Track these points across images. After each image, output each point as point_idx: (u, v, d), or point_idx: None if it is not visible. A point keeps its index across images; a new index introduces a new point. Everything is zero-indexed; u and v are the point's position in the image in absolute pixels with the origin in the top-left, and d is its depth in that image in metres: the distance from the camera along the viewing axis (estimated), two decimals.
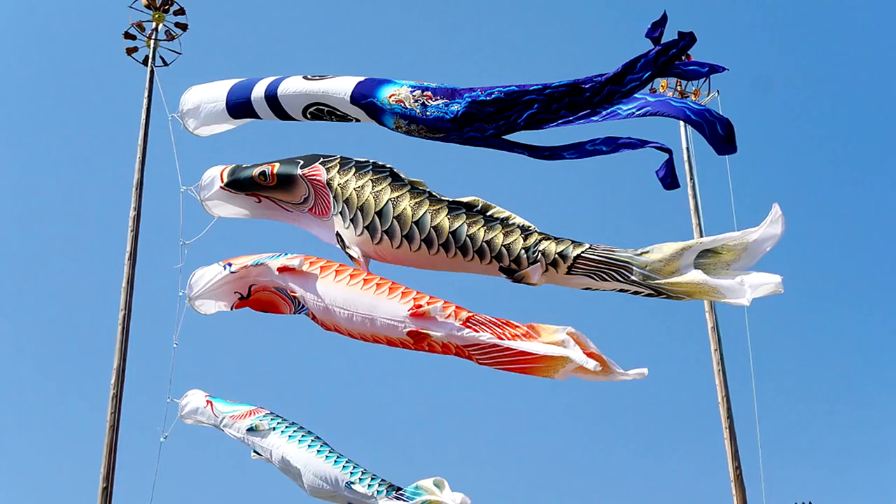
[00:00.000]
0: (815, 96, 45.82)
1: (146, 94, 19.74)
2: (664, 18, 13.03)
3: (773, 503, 19.76)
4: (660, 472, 35.80)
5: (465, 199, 14.66)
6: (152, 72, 20.02)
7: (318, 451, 16.63)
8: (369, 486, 16.02)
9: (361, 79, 15.11)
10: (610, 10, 47.46)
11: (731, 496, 19.61)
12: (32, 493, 32.76)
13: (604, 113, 14.01)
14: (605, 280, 13.83)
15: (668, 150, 14.06)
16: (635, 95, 13.87)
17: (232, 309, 16.86)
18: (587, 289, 14.15)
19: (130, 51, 20.68)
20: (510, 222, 14.38)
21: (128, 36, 20.72)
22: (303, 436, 16.91)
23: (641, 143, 14.06)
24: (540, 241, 14.11)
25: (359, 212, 14.98)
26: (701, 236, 20.07)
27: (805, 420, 36.91)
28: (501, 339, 13.84)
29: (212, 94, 16.77)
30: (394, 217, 14.73)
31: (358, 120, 15.18)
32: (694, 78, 15.32)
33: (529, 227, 14.31)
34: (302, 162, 15.76)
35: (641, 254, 13.66)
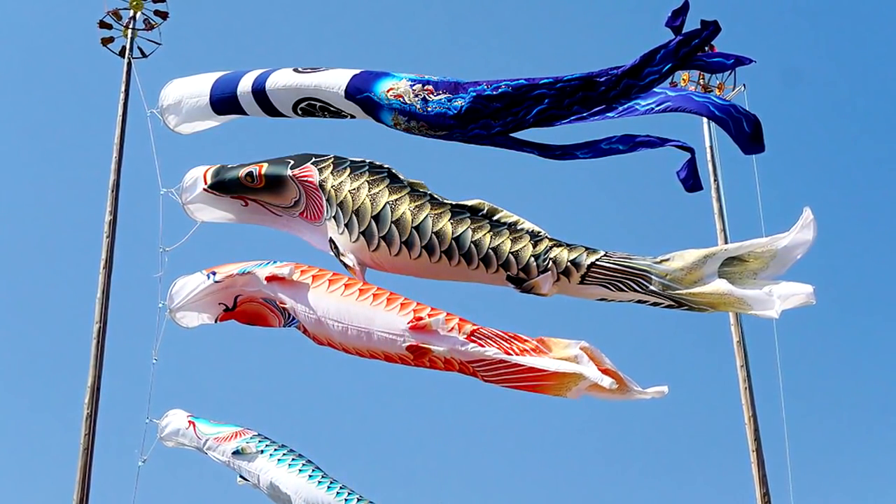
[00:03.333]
0: (851, 90, 45.81)
1: (123, 89, 19.77)
2: (686, 6, 13.07)
3: None
4: (681, 498, 35.78)
5: (469, 203, 14.70)
6: (129, 64, 20.05)
7: (310, 476, 16.67)
8: None
9: (357, 72, 15.14)
10: None
11: None
12: None
13: (620, 109, 14.02)
14: (622, 290, 13.86)
15: (690, 149, 14.08)
16: (654, 90, 13.88)
17: (216, 322, 16.87)
18: (602, 300, 14.18)
19: (106, 41, 20.71)
20: (518, 227, 14.41)
21: (103, 25, 20.75)
22: (293, 459, 16.94)
23: (661, 142, 14.09)
24: (551, 247, 14.14)
25: (354, 216, 15.02)
26: (726, 243, 20.08)
27: (839, 442, 36.87)
28: (509, 354, 13.86)
29: (194, 88, 16.80)
30: (392, 222, 14.77)
31: (353, 116, 15.21)
32: (718, 71, 15.43)
33: (539, 232, 14.35)
34: (292, 162, 15.79)
35: (661, 262, 13.70)
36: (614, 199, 42.49)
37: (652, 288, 13.64)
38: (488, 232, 14.40)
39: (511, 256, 14.21)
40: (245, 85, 15.96)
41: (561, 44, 45.46)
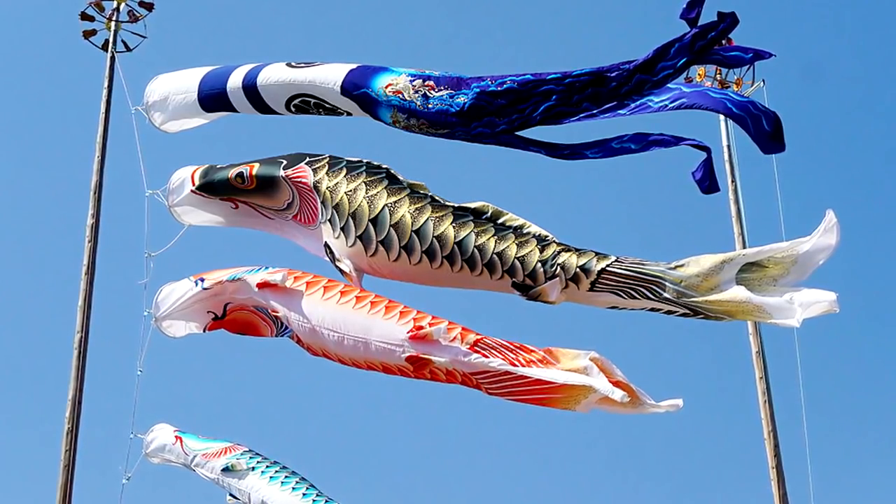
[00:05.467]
0: (875, 86, 45.81)
1: (106, 85, 19.81)
2: None
3: None
4: None
5: (472, 205, 14.69)
6: (113, 58, 20.09)
7: (304, 494, 16.68)
8: None
9: (354, 66, 15.15)
10: None
11: None
12: None
13: (632, 106, 14.04)
14: (634, 298, 13.86)
15: (707, 149, 14.09)
16: (668, 85, 13.89)
17: (205, 331, 16.87)
18: (613, 308, 14.18)
19: (88, 34, 20.75)
20: (524, 231, 14.41)
21: (85, 17, 20.78)
22: (286, 476, 16.96)
23: (675, 141, 14.10)
24: (559, 252, 14.13)
25: (350, 219, 15.02)
26: (744, 247, 20.11)
27: (863, 459, 36.87)
28: (514, 365, 13.86)
29: (181, 83, 16.80)
30: (391, 225, 14.76)
31: (350, 114, 15.22)
32: (736, 65, 15.42)
33: (547, 236, 14.35)
34: (285, 162, 15.80)
35: (675, 267, 13.70)
36: (626, 202, 42.57)
37: (666, 295, 13.64)
38: (492, 236, 14.40)
39: (517, 262, 14.21)
40: (235, 80, 15.96)
41: (570, 37, 45.52)
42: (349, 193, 15.10)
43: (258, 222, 16.37)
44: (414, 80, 14.48)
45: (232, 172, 16.09)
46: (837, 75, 43.73)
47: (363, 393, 33.04)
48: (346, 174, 15.28)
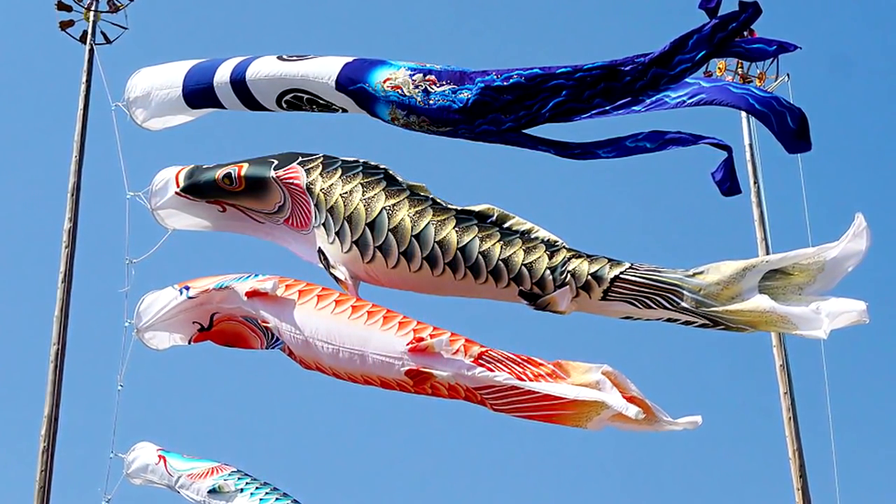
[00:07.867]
0: None
1: (84, 79, 19.77)
2: None
3: None
4: None
5: (476, 208, 14.71)
6: (92, 51, 20.06)
7: None
8: None
9: (349, 59, 15.17)
10: None
11: None
12: None
13: (648, 102, 14.06)
14: (650, 307, 13.88)
15: (728, 148, 14.10)
16: (687, 80, 13.92)
17: (190, 343, 16.88)
18: (627, 318, 14.20)
19: (65, 25, 20.72)
20: (532, 236, 14.42)
21: (61, 6, 20.75)
22: (277, 499, 16.98)
23: (694, 139, 14.11)
24: (569, 259, 14.14)
25: (346, 223, 15.03)
26: (767, 253, 20.12)
27: (894, 479, 36.87)
28: (521, 379, 13.88)
29: (165, 78, 16.82)
30: (389, 230, 14.77)
31: (345, 110, 15.24)
32: (759, 59, 15.47)
33: (556, 241, 14.36)
34: (276, 162, 15.81)
35: (694, 275, 13.71)
36: (641, 205, 42.50)
37: (684, 305, 13.64)
38: (498, 241, 14.41)
39: (524, 269, 14.22)
40: (223, 75, 15.98)
41: (581, 28, 45.53)
42: (345, 196, 15.11)
43: (247, 226, 16.38)
44: (414, 75, 14.50)
45: (219, 173, 16.11)
46: (867, 69, 43.68)
47: (360, 409, 33.00)
48: (342, 175, 15.29)
